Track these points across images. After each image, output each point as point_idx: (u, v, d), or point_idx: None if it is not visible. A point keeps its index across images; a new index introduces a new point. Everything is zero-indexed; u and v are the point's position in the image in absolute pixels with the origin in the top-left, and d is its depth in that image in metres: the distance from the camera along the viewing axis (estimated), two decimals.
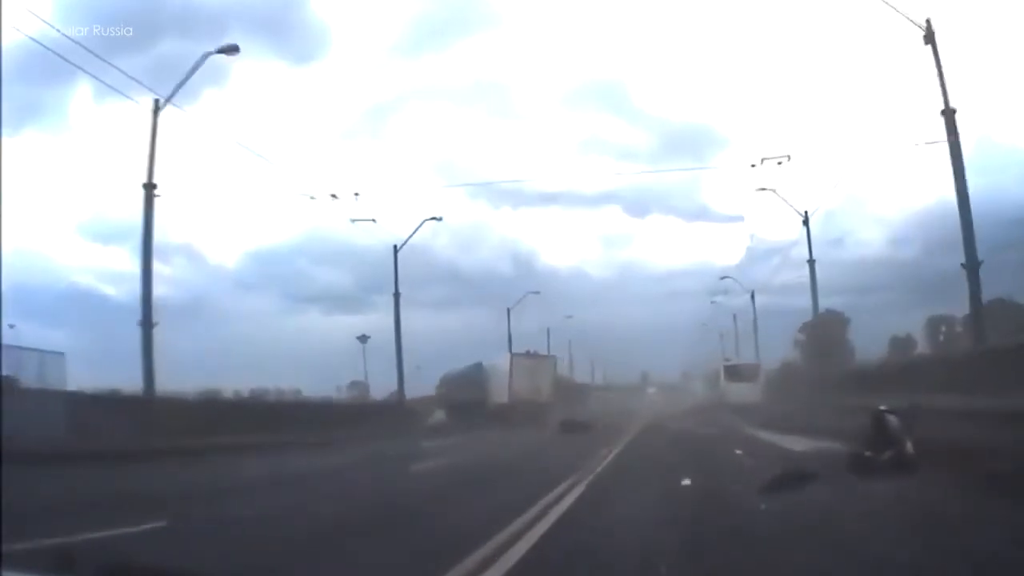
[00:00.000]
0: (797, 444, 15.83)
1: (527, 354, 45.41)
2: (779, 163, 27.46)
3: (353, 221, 30.67)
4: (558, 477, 10.85)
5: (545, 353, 49.65)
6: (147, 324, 23.58)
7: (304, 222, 71.96)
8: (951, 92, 19.33)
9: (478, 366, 44.69)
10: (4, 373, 17.87)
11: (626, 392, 68.14)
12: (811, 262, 34.50)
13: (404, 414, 36.00)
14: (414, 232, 34.69)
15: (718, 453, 15.50)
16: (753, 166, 28.26)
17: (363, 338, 45.22)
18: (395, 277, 35.48)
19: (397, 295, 36.23)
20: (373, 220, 30.97)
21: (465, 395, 42.49)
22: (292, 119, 69.68)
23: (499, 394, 41.93)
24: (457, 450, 20.36)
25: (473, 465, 15.71)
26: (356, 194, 28.82)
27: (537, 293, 51.32)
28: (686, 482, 10.00)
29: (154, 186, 23.46)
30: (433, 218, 35.06)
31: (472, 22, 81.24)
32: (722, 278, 51.12)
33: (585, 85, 72.42)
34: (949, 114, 19.46)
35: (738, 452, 14.82)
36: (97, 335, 43.71)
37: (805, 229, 34.43)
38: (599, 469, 12.70)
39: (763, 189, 33.81)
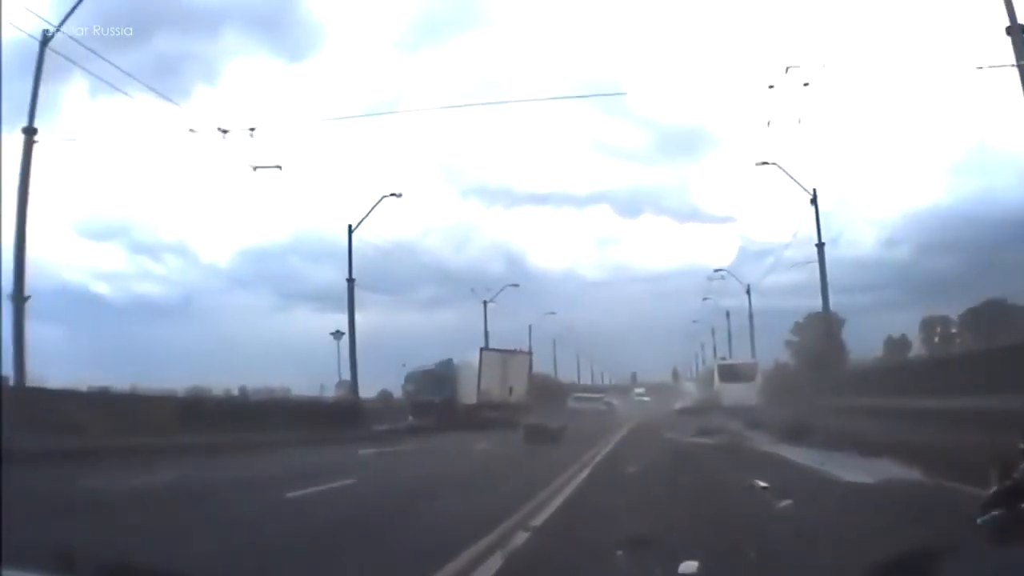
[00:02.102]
0: (841, 468, 11.36)
1: (499, 350, 41.09)
2: (805, 84, 22.70)
3: (255, 168, 27.17)
4: (483, 523, 7.20)
5: (525, 350, 45.44)
6: (19, 297, 19.44)
7: (296, 220, 67.82)
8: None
9: (448, 363, 40.27)
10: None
11: (612, 392, 64.24)
12: (820, 245, 31.23)
13: (358, 415, 32.50)
14: (371, 210, 33.48)
15: (730, 486, 10.50)
16: (771, 87, 23.30)
17: (337, 334, 42.01)
18: (349, 261, 34.19)
19: (351, 281, 34.52)
20: (279, 167, 27.58)
21: (432, 395, 38.07)
22: (288, 116, 64.73)
23: (468, 394, 37.64)
24: (387, 464, 17.25)
25: (378, 490, 11.71)
26: (251, 129, 24.80)
27: (516, 286, 48.40)
28: (688, 569, 4.61)
29: (34, 131, 20.46)
30: (392, 194, 33.71)
31: (468, 21, 76.98)
32: (716, 270, 48.03)
33: (581, 85, 68.36)
34: (1016, 31, 15.47)
35: (761, 485, 9.65)
36: (91, 333, 43.62)
37: (813, 208, 31.21)
38: (550, 509, 8.27)
39: (765, 163, 29.88)
